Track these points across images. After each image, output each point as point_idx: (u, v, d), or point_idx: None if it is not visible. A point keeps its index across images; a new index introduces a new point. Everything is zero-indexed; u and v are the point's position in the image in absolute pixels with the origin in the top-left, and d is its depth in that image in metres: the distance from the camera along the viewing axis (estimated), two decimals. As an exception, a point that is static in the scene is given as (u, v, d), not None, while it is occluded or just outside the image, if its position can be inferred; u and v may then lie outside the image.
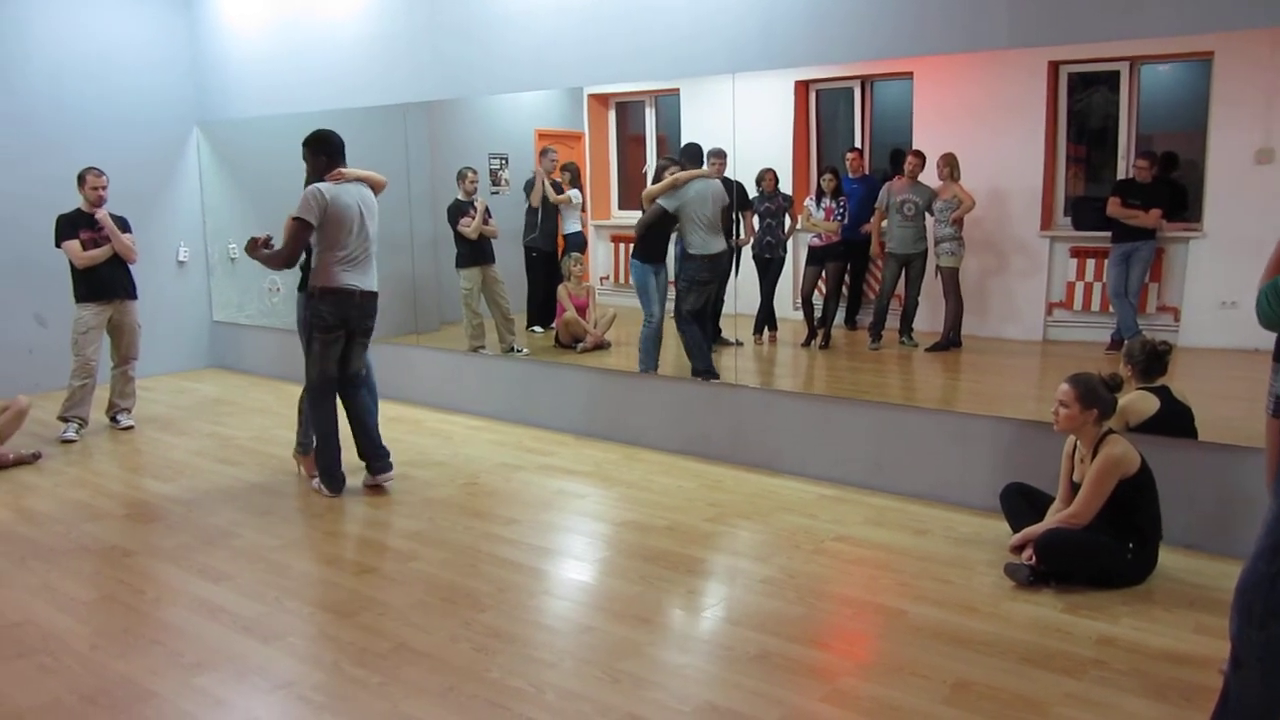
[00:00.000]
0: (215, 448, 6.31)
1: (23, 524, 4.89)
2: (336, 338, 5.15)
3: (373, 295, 5.25)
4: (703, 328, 6.23)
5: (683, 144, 6.50)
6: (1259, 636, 2.45)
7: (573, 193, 7.61)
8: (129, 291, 6.69)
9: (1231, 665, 2.53)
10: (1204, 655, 3.36)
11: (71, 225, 6.45)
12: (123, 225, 6.62)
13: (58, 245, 6.45)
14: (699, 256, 6.13)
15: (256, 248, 5.09)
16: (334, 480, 5.28)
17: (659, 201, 6.12)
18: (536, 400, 6.76)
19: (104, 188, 6.50)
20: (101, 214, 6.49)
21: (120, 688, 3.26)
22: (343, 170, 5.13)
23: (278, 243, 5.11)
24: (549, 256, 7.76)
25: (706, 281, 6.17)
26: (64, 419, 6.52)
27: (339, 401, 5.32)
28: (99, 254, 6.47)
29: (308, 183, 5.13)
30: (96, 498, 5.32)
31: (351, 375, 5.31)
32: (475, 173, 7.34)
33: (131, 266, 6.66)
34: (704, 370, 6.08)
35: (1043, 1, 4.59)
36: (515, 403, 6.88)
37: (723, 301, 6.75)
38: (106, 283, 6.55)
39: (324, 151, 5.14)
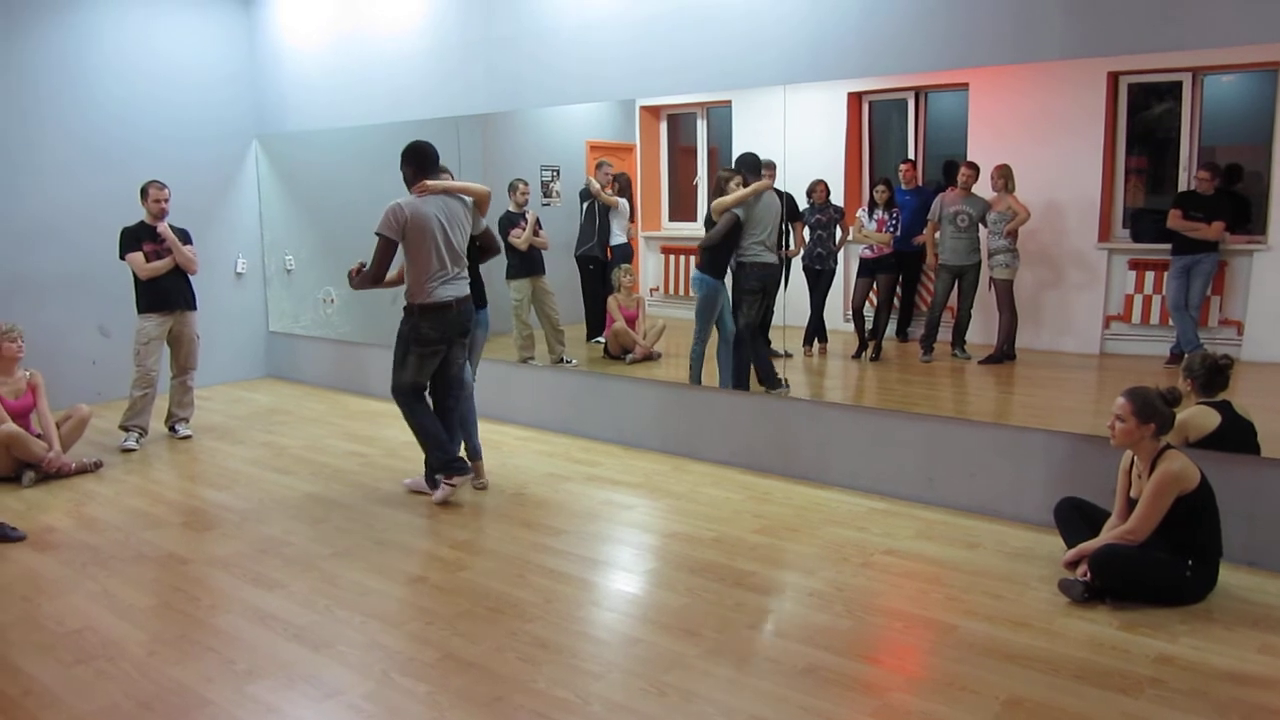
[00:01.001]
0: (270, 457, 6.41)
1: (84, 531, 5.00)
2: (436, 351, 5.21)
3: (467, 299, 5.29)
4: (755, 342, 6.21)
5: (734, 155, 6.48)
6: None
7: (621, 201, 7.63)
8: (189, 303, 6.82)
9: None
10: (1268, 676, 3.28)
11: (135, 238, 6.59)
12: (184, 237, 6.75)
13: (122, 257, 6.59)
14: (750, 264, 6.12)
15: (354, 278, 5.23)
16: (458, 464, 5.33)
17: (734, 211, 6.08)
18: (585, 411, 6.78)
19: (166, 200, 6.64)
20: (163, 227, 6.62)
21: (176, 694, 3.31)
22: (427, 183, 5.11)
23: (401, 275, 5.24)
24: (605, 266, 7.77)
25: (755, 290, 6.15)
26: (125, 428, 6.67)
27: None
28: (161, 266, 6.60)
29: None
30: (155, 506, 5.42)
31: (452, 380, 5.39)
32: (526, 184, 7.38)
33: (192, 278, 6.80)
34: (773, 385, 6.11)
35: (1097, 12, 4.53)
36: (564, 414, 6.90)
37: (772, 313, 6.72)
38: (168, 294, 6.68)
39: (412, 163, 5.13)
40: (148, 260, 6.56)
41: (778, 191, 6.28)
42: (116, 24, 7.96)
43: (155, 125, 8.21)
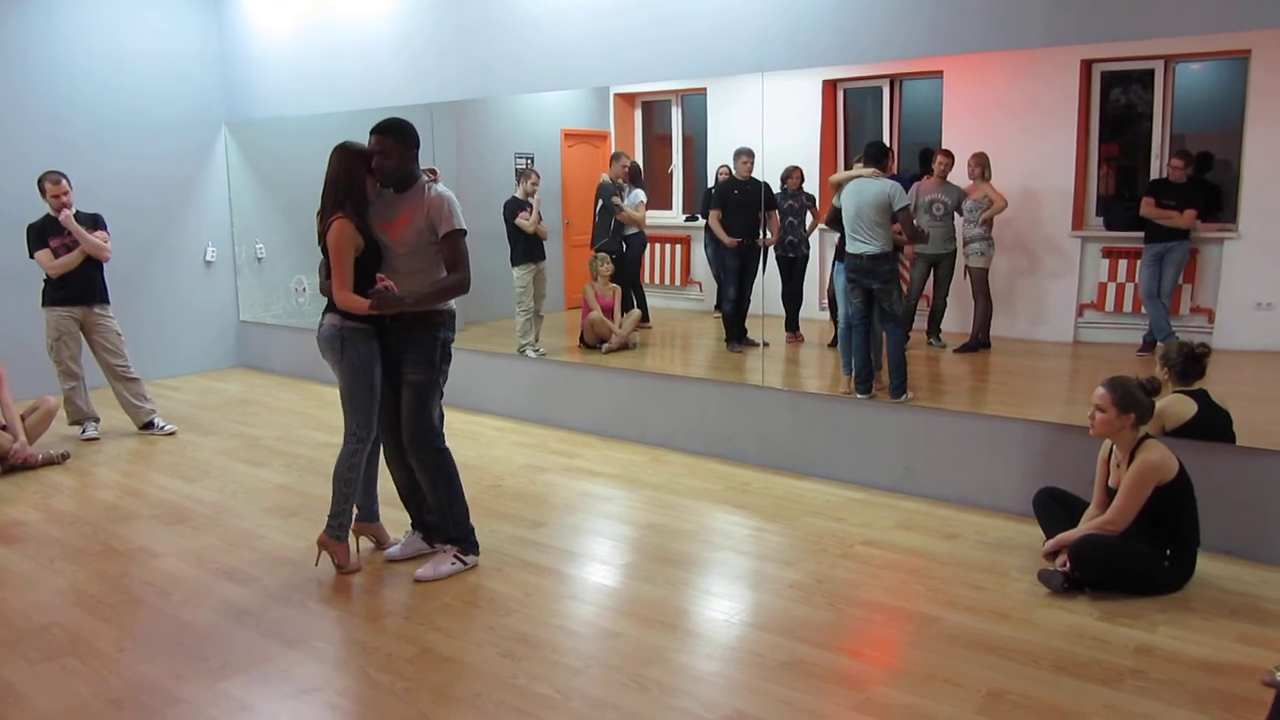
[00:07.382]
0: (241, 448, 6.32)
1: (51, 525, 4.91)
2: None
3: None
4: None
5: (709, 142, 6.41)
6: None
7: (637, 192, 7.53)
8: (101, 296, 6.48)
9: None
10: (1246, 665, 3.29)
11: (40, 235, 6.28)
12: (95, 223, 6.43)
13: (30, 256, 6.31)
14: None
15: (390, 298, 3.90)
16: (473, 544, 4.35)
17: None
18: (562, 402, 6.74)
19: (65, 194, 6.27)
20: (65, 217, 6.25)
21: (146, 692, 3.25)
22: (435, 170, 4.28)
23: (397, 287, 3.95)
24: (623, 258, 7.68)
25: (848, 279, 5.81)
26: (76, 423, 6.54)
27: (387, 458, 4.42)
28: (72, 259, 6.28)
29: (394, 177, 4.12)
30: (124, 499, 5.34)
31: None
32: (539, 175, 7.28)
33: (106, 267, 6.48)
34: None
35: (1077, 0, 4.52)
36: (542, 404, 6.85)
37: (748, 301, 6.70)
38: (75, 288, 6.36)
39: (416, 144, 4.14)
40: (56, 255, 6.27)
41: (755, 180, 6.25)
42: (80, 10, 7.81)
43: (121, 114, 8.07)
